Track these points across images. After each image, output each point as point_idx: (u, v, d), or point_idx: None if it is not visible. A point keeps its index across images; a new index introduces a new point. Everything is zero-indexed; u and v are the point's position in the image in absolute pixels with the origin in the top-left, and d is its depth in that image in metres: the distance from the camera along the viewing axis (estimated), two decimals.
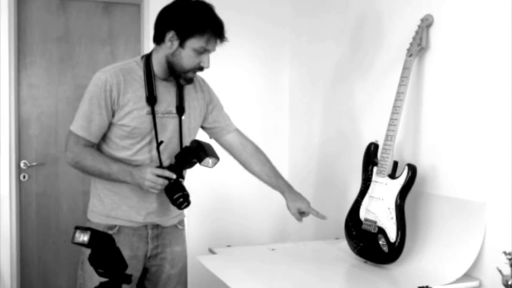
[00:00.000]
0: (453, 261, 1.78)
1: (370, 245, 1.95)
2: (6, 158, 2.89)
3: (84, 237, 1.80)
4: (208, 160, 1.79)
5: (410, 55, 1.99)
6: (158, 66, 1.82)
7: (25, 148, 3.07)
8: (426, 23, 1.99)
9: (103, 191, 1.87)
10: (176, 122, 1.87)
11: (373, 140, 2.05)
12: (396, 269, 1.89)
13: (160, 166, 1.79)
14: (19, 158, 3.04)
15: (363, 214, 2.00)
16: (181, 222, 2.05)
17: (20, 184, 3.04)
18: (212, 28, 1.74)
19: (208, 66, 1.80)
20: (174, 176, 1.76)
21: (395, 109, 1.96)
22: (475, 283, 1.76)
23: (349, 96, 2.61)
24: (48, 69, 3.10)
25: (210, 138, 2.08)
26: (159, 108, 1.82)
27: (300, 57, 3.17)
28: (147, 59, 1.84)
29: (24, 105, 3.06)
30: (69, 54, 3.12)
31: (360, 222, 2.00)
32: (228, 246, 2.25)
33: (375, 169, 1.99)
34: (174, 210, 1.89)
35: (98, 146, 1.86)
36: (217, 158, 1.82)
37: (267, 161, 2.10)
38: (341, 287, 1.88)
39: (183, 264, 2.04)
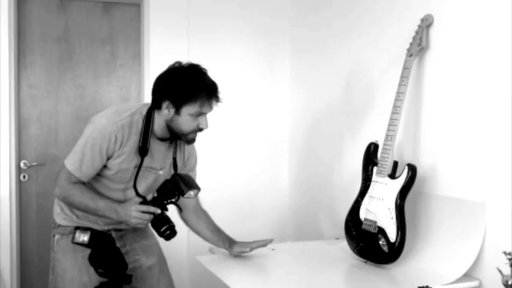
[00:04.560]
0: (453, 261, 1.78)
1: (370, 245, 1.95)
2: (6, 158, 2.89)
3: (84, 237, 1.81)
4: (191, 193, 1.83)
5: (410, 55, 1.99)
6: (158, 126, 1.86)
7: (25, 148, 3.07)
8: (426, 23, 1.99)
9: (64, 205, 1.95)
10: (155, 177, 1.93)
11: (373, 140, 2.05)
12: (396, 269, 1.90)
13: (144, 201, 1.81)
14: (19, 158, 3.04)
15: (363, 214, 2.00)
16: None
17: (20, 184, 3.04)
18: (205, 92, 1.79)
19: (207, 127, 1.85)
20: (158, 211, 1.79)
21: (395, 109, 1.97)
22: (475, 283, 1.76)
23: (349, 96, 2.61)
24: (48, 69, 3.10)
25: None
26: (146, 162, 1.87)
27: (300, 53, 3.17)
28: (149, 114, 1.86)
29: (24, 105, 3.06)
30: (69, 54, 3.12)
31: (360, 222, 2.01)
32: None
33: (375, 169, 1.99)
34: None
35: None
36: (199, 189, 1.86)
37: (212, 220, 2.14)
38: (341, 287, 1.88)
39: (159, 254, 2.09)
